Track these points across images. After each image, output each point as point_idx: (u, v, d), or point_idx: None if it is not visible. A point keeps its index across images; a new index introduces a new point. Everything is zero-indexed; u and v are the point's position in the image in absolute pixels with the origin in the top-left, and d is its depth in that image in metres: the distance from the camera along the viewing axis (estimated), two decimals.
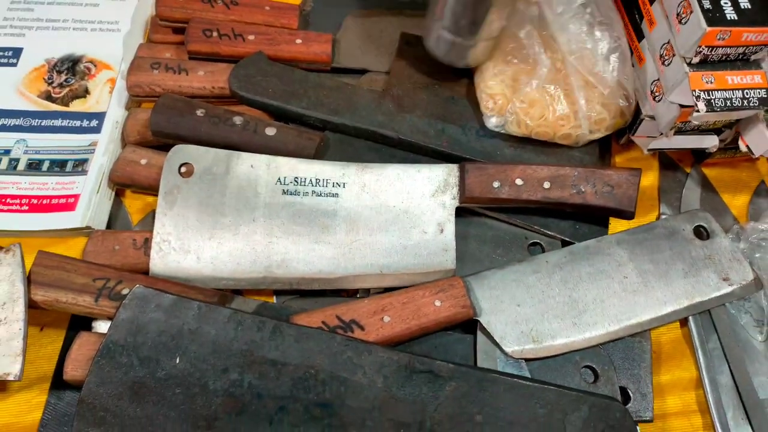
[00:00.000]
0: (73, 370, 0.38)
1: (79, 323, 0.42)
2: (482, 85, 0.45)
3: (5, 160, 0.48)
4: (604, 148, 0.49)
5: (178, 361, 0.35)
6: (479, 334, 0.40)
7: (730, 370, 0.41)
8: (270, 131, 0.46)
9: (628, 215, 0.43)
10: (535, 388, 0.35)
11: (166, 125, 0.45)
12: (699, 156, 0.49)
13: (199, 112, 0.46)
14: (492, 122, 0.45)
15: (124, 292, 0.39)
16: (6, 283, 0.39)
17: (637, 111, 0.46)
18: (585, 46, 0.41)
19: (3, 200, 0.46)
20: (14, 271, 0.40)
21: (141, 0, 0.56)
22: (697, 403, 0.40)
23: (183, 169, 0.44)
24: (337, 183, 0.44)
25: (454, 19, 0.41)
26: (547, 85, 0.42)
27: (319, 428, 0.34)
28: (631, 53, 0.45)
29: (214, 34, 0.50)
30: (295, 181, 0.44)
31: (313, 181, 0.44)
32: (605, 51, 0.42)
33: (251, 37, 0.50)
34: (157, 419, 0.34)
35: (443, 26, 0.42)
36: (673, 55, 0.41)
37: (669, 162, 0.50)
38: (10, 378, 0.37)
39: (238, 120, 0.46)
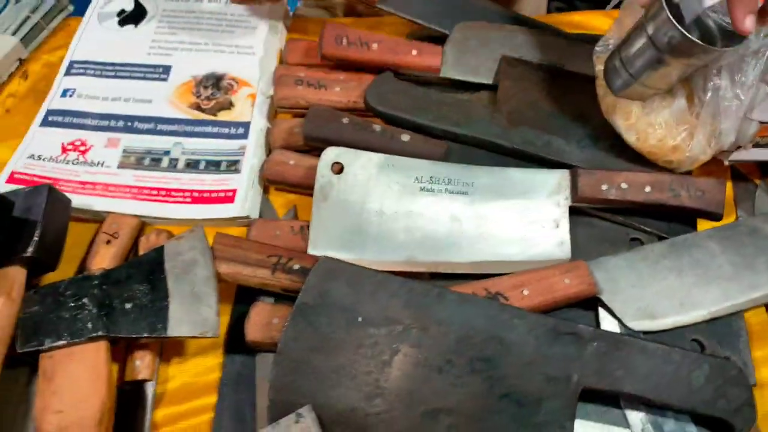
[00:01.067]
0: (253, 333, 0.44)
1: (242, 299, 0.49)
2: (618, 101, 0.52)
3: (166, 159, 0.55)
4: None
5: (360, 319, 0.41)
6: (601, 310, 0.46)
7: None
8: (405, 138, 0.53)
9: (717, 216, 0.50)
10: (663, 349, 0.41)
11: (316, 131, 0.53)
12: (765, 169, 0.57)
13: (344, 120, 0.53)
14: (617, 128, 0.52)
15: (295, 267, 0.46)
16: (196, 255, 0.45)
17: None
18: (728, 95, 0.48)
19: (169, 193, 0.53)
20: (201, 246, 0.46)
21: (270, 30, 0.64)
22: None
23: (334, 168, 0.51)
24: (466, 183, 0.51)
25: (636, 64, 0.47)
26: (674, 119, 0.50)
27: (480, 379, 0.40)
28: None
29: (344, 41, 0.57)
30: (431, 179, 0.51)
31: (446, 180, 0.51)
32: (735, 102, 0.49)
33: (375, 46, 0.57)
34: (345, 368, 0.40)
35: (625, 65, 0.48)
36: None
37: (740, 174, 0.57)
38: (209, 335, 0.42)
39: (377, 127, 0.53)
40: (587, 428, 0.41)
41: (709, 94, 0.49)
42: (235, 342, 0.46)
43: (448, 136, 0.55)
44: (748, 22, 0.39)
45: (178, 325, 0.42)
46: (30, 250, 0.44)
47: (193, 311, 0.43)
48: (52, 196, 0.47)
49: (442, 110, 0.55)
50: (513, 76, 0.59)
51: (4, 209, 0.44)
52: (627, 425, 0.42)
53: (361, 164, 0.51)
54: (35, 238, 0.44)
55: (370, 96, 0.55)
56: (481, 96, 0.59)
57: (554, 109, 0.57)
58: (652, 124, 0.51)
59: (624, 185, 0.50)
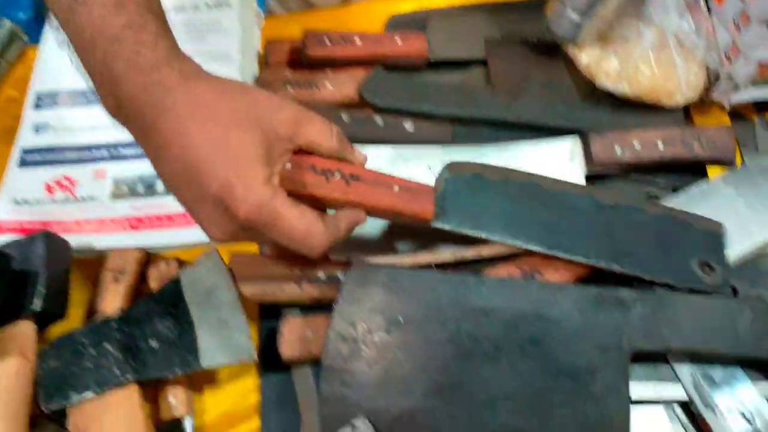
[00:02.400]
0: (289, 350, 0.42)
1: (267, 314, 0.47)
2: (592, 59, 0.52)
3: (159, 183, 0.52)
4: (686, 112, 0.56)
5: (401, 320, 0.40)
6: None
7: None
8: (408, 126, 0.51)
9: (731, 162, 0.50)
10: (704, 300, 0.41)
11: None
12: (759, 106, 0.58)
13: (344, 117, 0.51)
14: (608, 87, 0.52)
15: (321, 276, 0.44)
16: (216, 280, 0.43)
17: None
18: (681, 21, 0.49)
19: (170, 219, 0.50)
20: (220, 269, 0.44)
21: (245, 33, 0.61)
22: None
23: None
24: None
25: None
26: (653, 53, 0.50)
27: (532, 360, 0.39)
28: None
29: (327, 41, 0.55)
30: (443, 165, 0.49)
31: None
32: (694, 24, 0.50)
33: (358, 41, 0.55)
34: (393, 373, 0.39)
35: (566, 4, 0.49)
36: (750, 21, 0.49)
37: (737, 114, 0.58)
38: (246, 360, 0.41)
39: (378, 119, 0.51)
40: (639, 388, 0.41)
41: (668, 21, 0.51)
42: (269, 360, 0.44)
43: (452, 120, 0.53)
44: None
45: (211, 355, 0.40)
46: (37, 303, 0.41)
47: (224, 338, 0.41)
48: (50, 242, 0.44)
49: (441, 95, 0.54)
50: (501, 56, 0.58)
51: (4, 265, 0.41)
52: (677, 379, 0.42)
53: (371, 159, 0.49)
54: (41, 290, 0.41)
55: (366, 92, 0.53)
56: (474, 75, 0.58)
57: (549, 79, 0.56)
58: (636, 67, 0.51)
59: (637, 145, 0.49)
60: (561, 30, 0.51)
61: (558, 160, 0.50)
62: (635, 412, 0.41)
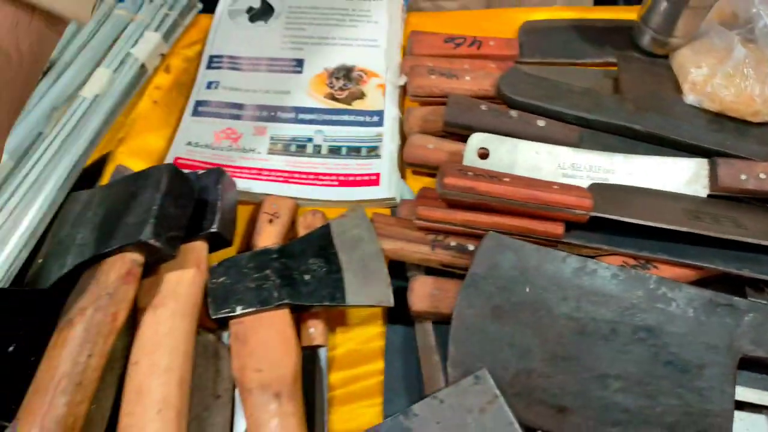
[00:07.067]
0: (418, 304, 0.47)
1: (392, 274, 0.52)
2: (683, 69, 0.57)
3: (310, 146, 0.59)
4: None
5: (527, 290, 0.44)
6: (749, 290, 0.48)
7: None
8: (541, 123, 0.56)
9: None
10: None
11: (457, 117, 0.56)
12: None
13: (483, 107, 0.56)
14: (690, 99, 0.55)
15: (452, 243, 0.49)
16: (361, 232, 0.49)
17: None
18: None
19: (317, 177, 0.57)
20: (366, 224, 0.50)
21: (391, 23, 0.68)
22: None
23: (479, 153, 0.54)
24: (607, 170, 0.53)
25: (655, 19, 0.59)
26: (743, 68, 0.53)
27: (644, 347, 0.43)
28: None
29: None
30: (572, 166, 0.53)
31: (588, 167, 0.53)
32: None
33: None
34: (515, 336, 0.43)
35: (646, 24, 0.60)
36: None
37: None
38: (384, 304, 0.46)
39: (513, 113, 0.56)
40: (745, 393, 0.43)
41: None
42: (394, 314, 0.49)
43: (580, 123, 0.57)
44: None
45: (355, 295, 0.46)
46: (215, 225, 0.48)
47: (366, 283, 0.47)
48: (223, 178, 0.51)
49: (572, 98, 0.58)
50: (630, 70, 0.61)
51: (191, 190, 0.49)
52: None
53: (506, 150, 0.54)
54: (218, 215, 0.48)
55: (503, 86, 0.58)
56: (603, 85, 0.62)
57: (675, 98, 0.59)
58: (721, 83, 0.55)
59: (763, 175, 0.51)
60: (643, 42, 0.61)
61: (682, 178, 0.53)
62: (736, 414, 0.44)
